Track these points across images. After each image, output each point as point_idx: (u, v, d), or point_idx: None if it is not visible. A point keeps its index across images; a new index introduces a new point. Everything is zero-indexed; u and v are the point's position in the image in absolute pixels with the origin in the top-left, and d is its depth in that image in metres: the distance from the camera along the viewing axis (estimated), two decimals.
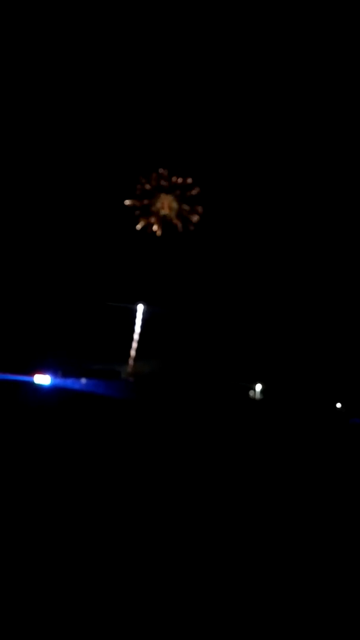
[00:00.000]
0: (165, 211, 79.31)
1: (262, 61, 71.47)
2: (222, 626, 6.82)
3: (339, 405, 63.40)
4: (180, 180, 79.94)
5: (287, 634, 6.93)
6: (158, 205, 79.65)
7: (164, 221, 79.75)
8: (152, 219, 79.79)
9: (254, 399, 66.05)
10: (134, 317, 72.81)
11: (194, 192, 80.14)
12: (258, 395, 66.79)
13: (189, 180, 79.98)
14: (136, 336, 72.12)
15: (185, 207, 79.81)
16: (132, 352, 71.25)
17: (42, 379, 49.55)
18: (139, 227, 78.69)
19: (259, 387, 66.83)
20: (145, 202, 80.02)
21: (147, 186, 79.91)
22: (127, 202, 78.83)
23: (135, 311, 73.03)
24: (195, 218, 79.74)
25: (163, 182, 79.68)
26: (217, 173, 78.18)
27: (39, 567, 7.86)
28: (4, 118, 67.30)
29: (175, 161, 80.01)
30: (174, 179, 79.88)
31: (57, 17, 67.65)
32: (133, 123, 74.97)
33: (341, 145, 71.88)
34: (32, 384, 46.80)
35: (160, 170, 79.74)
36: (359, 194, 71.80)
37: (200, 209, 79.93)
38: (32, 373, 49.42)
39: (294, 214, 73.24)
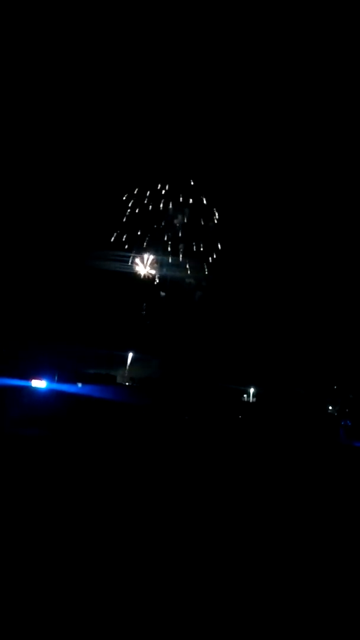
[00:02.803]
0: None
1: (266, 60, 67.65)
2: (222, 625, 6.76)
3: (330, 408, 64.36)
4: (190, 200, 49.98)
5: (286, 634, 6.92)
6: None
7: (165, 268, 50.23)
8: (146, 263, 51.28)
9: (247, 402, 66.65)
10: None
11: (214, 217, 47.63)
12: (252, 399, 67.44)
13: (204, 201, 49.64)
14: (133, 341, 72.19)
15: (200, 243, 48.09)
16: (128, 357, 71.62)
17: (39, 384, 50.26)
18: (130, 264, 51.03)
19: (252, 390, 67.51)
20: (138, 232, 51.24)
21: (137, 209, 51.10)
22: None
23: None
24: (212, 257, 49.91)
25: (164, 203, 50.78)
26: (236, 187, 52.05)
27: (37, 571, 7.77)
28: None
29: (180, 171, 51.29)
30: (180, 198, 49.56)
31: (55, 20, 65.87)
32: (117, 119, 54.83)
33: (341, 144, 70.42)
34: (29, 388, 47.59)
35: (159, 186, 51.76)
36: None
37: (218, 244, 51.37)
38: (29, 378, 50.09)
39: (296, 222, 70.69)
